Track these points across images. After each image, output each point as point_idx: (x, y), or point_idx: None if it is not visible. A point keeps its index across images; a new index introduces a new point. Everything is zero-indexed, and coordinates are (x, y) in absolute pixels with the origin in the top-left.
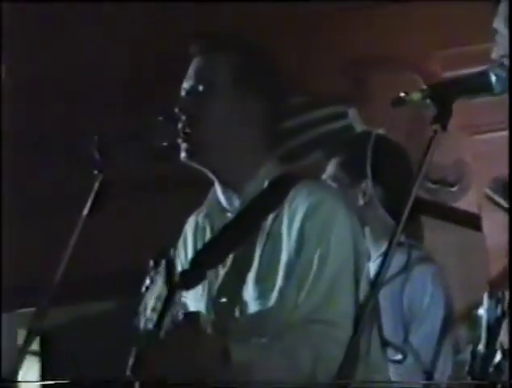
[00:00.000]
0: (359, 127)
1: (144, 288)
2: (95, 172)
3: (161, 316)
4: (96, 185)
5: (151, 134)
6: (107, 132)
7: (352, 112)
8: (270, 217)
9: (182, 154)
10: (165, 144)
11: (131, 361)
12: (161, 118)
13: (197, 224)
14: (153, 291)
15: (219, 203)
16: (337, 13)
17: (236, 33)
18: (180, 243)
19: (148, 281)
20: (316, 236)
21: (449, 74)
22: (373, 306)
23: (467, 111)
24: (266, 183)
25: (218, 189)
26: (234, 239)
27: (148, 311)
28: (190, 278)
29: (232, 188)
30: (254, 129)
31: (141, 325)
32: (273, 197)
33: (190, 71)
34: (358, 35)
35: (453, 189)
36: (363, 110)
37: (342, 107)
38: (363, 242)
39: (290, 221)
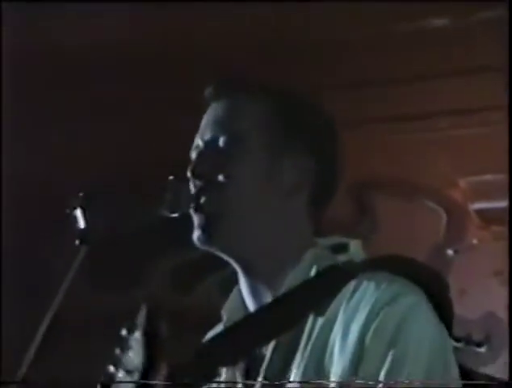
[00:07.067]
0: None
1: None
2: (77, 242)
3: None
4: (79, 258)
5: (160, 199)
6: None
7: (354, 245)
8: (318, 319)
9: (196, 235)
10: (176, 214)
11: None
12: (172, 178)
13: None
14: None
15: (244, 306)
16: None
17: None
18: None
19: None
20: (385, 340)
21: (476, 206)
22: None
23: None
24: (312, 271)
25: (244, 286)
26: (258, 337)
27: None
28: None
29: (266, 283)
30: (296, 200)
31: None
32: (323, 289)
33: (207, 121)
34: (366, 155)
35: (480, 350)
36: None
37: (343, 238)
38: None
39: (346, 324)
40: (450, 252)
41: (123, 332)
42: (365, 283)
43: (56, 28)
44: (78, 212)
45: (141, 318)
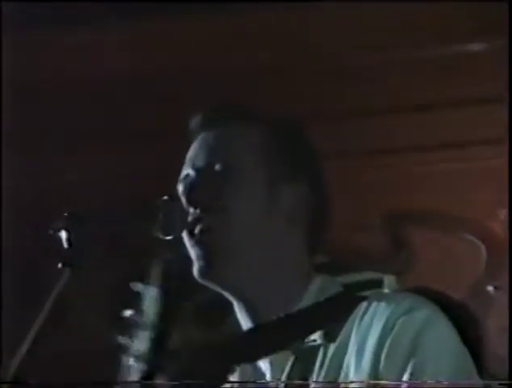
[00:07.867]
0: None
1: None
2: (60, 266)
3: None
4: (61, 283)
5: (153, 217)
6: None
7: (389, 281)
8: (331, 343)
9: (196, 268)
10: (170, 237)
11: None
12: (166, 198)
13: None
14: None
15: None
16: (380, 160)
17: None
18: None
19: None
20: (402, 352)
21: None
22: None
23: None
24: (321, 298)
25: (244, 324)
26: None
27: None
28: None
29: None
30: (294, 231)
31: None
32: (333, 310)
33: (197, 151)
34: (399, 188)
35: None
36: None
37: (377, 274)
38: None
39: (361, 343)
40: (490, 288)
41: (138, 287)
42: (376, 302)
43: (56, 57)
44: (62, 234)
45: (155, 273)
